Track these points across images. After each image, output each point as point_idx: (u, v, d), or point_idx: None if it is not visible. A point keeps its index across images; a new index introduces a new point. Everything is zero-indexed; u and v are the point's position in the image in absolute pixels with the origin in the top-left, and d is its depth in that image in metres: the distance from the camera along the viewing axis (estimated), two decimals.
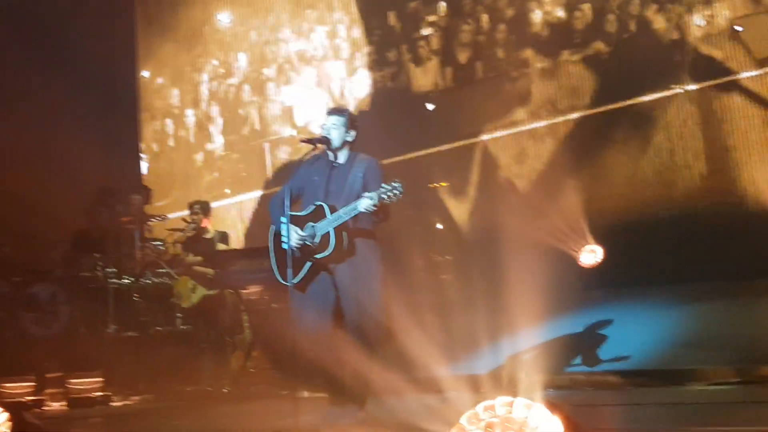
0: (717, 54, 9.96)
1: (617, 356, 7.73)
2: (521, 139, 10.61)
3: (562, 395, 7.12)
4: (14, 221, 11.27)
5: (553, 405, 3.70)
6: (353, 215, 6.02)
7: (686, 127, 9.54)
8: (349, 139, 6.36)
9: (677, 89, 9.68)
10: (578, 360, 7.94)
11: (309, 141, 6.45)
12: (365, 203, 5.88)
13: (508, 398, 3.70)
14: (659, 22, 10.99)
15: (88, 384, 9.32)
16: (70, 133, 11.92)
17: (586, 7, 11.65)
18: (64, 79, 12.03)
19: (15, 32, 11.96)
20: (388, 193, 5.81)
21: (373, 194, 5.85)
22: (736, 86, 9.35)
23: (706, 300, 8.32)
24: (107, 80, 13.51)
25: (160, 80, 15.53)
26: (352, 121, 6.38)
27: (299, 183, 6.42)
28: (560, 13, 11.89)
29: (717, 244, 8.70)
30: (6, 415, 5.06)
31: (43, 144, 12.10)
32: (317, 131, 11.78)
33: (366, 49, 13.17)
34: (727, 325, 7.94)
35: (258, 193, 12.46)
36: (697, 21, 10.71)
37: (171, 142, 14.66)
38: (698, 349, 7.64)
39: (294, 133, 12.95)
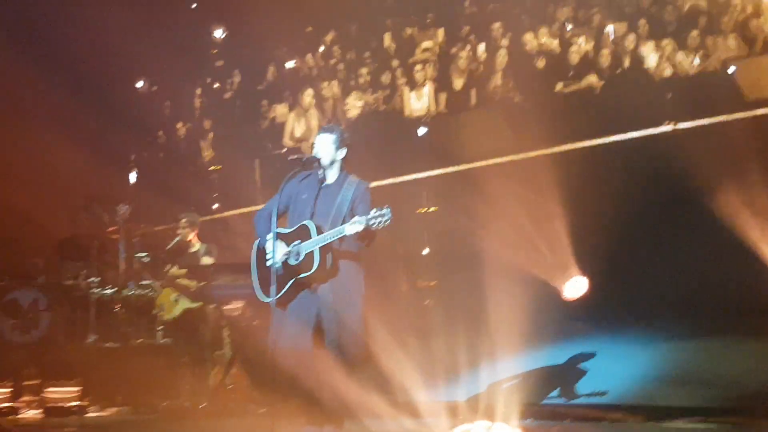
0: (709, 93, 10.04)
1: (596, 390, 7.72)
2: (511, 168, 10.61)
3: (541, 425, 7.11)
4: (0, 226, 11.26)
5: None
6: (339, 237, 6.01)
7: (675, 164, 9.54)
8: (340, 157, 6.34)
9: (668, 126, 9.72)
10: (556, 392, 7.93)
11: (297, 159, 6.43)
12: (352, 228, 5.86)
13: (487, 423, 3.69)
14: (653, 59, 11.08)
15: (64, 393, 9.28)
16: (59, 140, 11.91)
17: (581, 41, 11.76)
18: (55, 86, 12.03)
19: (10, 39, 11.96)
20: (377, 219, 5.80)
21: (362, 219, 5.83)
22: (728, 126, 9.39)
23: (687, 337, 8.33)
24: (100, 89, 13.50)
25: (153, 91, 15.54)
26: (342, 139, 6.36)
27: (286, 199, 6.39)
28: (555, 45, 11.99)
29: (701, 282, 8.72)
30: None
31: (30, 150, 12.09)
32: (307, 150, 11.89)
33: (360, 71, 13.19)
34: (706, 363, 7.95)
35: (246, 209, 12.43)
36: (690, 59, 10.81)
37: (161, 154, 14.64)
38: (677, 386, 7.64)
39: (284, 150, 12.93)
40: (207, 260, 9.76)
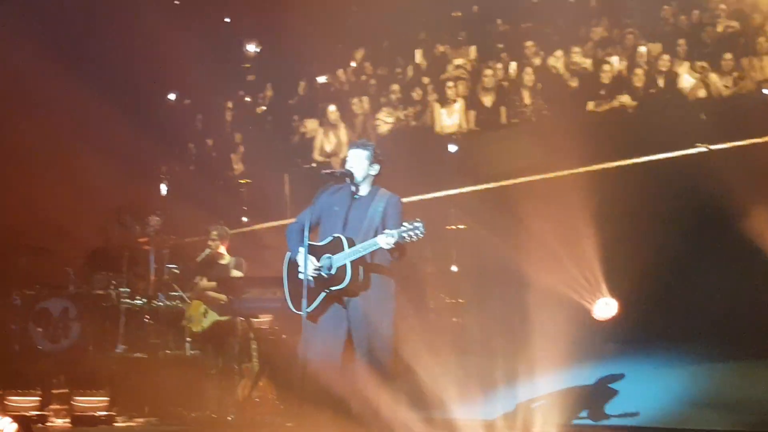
0: (744, 115, 9.98)
1: (626, 412, 7.65)
2: (541, 187, 10.58)
3: None
4: (32, 234, 11.34)
5: None
6: (371, 250, 6.01)
7: (708, 186, 9.47)
8: (373, 173, 6.36)
9: (702, 147, 9.66)
10: (585, 413, 7.87)
11: (331, 173, 6.46)
12: (385, 240, 5.86)
13: None
14: (687, 80, 11.03)
15: (93, 402, 9.30)
16: (92, 150, 12.02)
17: (614, 60, 11.73)
18: (89, 98, 12.13)
19: (44, 50, 12.10)
20: (409, 232, 5.81)
21: (394, 232, 5.84)
22: (762, 148, 9.33)
23: (719, 360, 8.24)
24: (133, 101, 13.61)
25: (185, 104, 15.63)
26: (376, 155, 6.39)
27: (318, 212, 6.40)
28: (588, 64, 11.96)
29: (734, 304, 8.64)
30: (15, 426, 5.04)
31: (66, 160, 12.19)
32: (337, 165, 11.91)
33: (392, 87, 13.21)
34: (739, 387, 7.86)
35: (275, 223, 12.47)
36: (725, 81, 10.75)
37: (192, 166, 14.72)
38: (709, 410, 7.56)
39: (314, 165, 12.97)
40: (236, 273, 9.78)
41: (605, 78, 11.34)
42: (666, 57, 11.22)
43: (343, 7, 14.46)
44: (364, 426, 6.03)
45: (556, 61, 12.21)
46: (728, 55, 10.84)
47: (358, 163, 6.35)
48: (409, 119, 12.85)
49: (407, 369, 6.35)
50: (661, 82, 11.11)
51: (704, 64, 10.92)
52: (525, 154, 10.86)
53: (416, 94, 12.94)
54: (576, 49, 12.19)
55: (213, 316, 9.57)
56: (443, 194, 11.13)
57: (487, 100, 12.14)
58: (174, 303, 10.59)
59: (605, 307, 9.27)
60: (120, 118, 12.66)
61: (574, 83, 11.80)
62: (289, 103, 14.64)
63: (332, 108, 12.99)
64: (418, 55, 14.03)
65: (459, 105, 12.20)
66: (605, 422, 7.64)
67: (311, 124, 13.68)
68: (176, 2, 15.15)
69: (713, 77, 10.83)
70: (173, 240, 11.35)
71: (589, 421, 7.76)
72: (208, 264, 9.98)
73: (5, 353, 10.29)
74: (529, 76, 11.85)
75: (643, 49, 11.70)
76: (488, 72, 12.33)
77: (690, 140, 9.89)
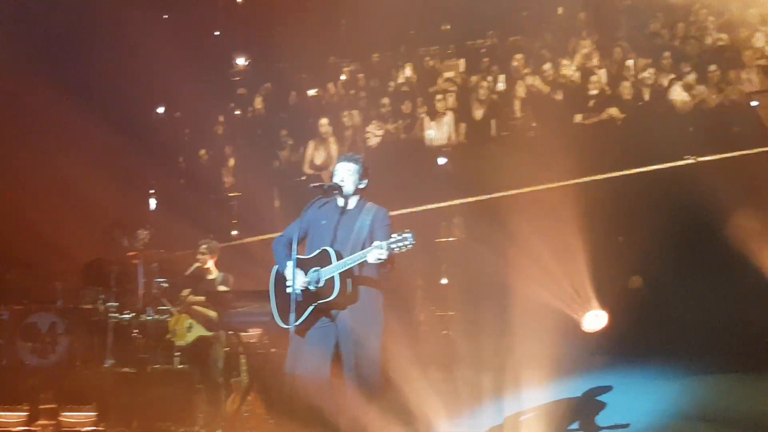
0: (731, 127, 10.01)
1: (616, 424, 7.63)
2: (531, 200, 10.59)
3: None
4: (21, 248, 11.30)
5: None
6: (359, 262, 5.99)
7: (697, 198, 9.50)
8: (362, 186, 6.35)
9: (690, 159, 9.69)
10: (576, 425, 7.84)
11: (320, 187, 6.43)
12: (374, 252, 5.84)
13: None
14: (675, 92, 11.06)
15: (81, 418, 9.22)
16: (83, 165, 11.99)
17: (603, 73, 11.77)
18: (79, 112, 12.11)
19: (35, 64, 12.09)
20: (398, 244, 5.79)
21: (383, 243, 5.81)
22: (751, 160, 9.36)
23: (710, 373, 8.23)
24: (123, 115, 13.58)
25: (174, 117, 15.58)
26: (365, 169, 6.38)
27: (306, 225, 6.38)
28: (577, 77, 11.99)
29: (724, 317, 8.64)
30: None
31: (56, 174, 12.17)
32: (327, 177, 11.89)
33: (381, 100, 13.20)
34: (729, 400, 7.85)
35: (265, 236, 12.43)
36: (712, 93, 10.79)
37: (182, 180, 14.66)
38: (699, 423, 7.54)
39: (303, 178, 12.94)
40: (222, 289, 9.73)
41: (593, 90, 11.38)
42: (654, 70, 11.27)
43: (332, 21, 14.48)
44: None
45: (545, 74, 12.23)
46: (714, 67, 10.89)
47: (348, 176, 6.33)
48: (399, 132, 12.85)
49: (396, 383, 6.30)
50: (648, 95, 11.15)
51: (693, 76, 10.97)
52: (514, 166, 10.87)
53: (406, 107, 12.94)
54: (565, 61, 12.22)
55: (198, 331, 9.50)
56: (433, 207, 11.12)
57: (478, 113, 12.16)
58: (163, 317, 10.53)
59: (595, 320, 9.26)
60: (109, 132, 12.63)
61: (562, 96, 11.82)
62: (280, 116, 14.61)
63: (324, 121, 12.97)
64: (408, 69, 14.04)
65: (448, 118, 12.21)
66: None
67: (300, 137, 13.65)
68: (165, 16, 15.12)
69: (701, 90, 10.88)
70: (162, 254, 11.30)
71: None
72: (196, 278, 9.92)
73: None
74: (519, 89, 11.89)
75: (631, 61, 11.75)
76: (483, 85, 12.36)
77: (678, 152, 9.92)
